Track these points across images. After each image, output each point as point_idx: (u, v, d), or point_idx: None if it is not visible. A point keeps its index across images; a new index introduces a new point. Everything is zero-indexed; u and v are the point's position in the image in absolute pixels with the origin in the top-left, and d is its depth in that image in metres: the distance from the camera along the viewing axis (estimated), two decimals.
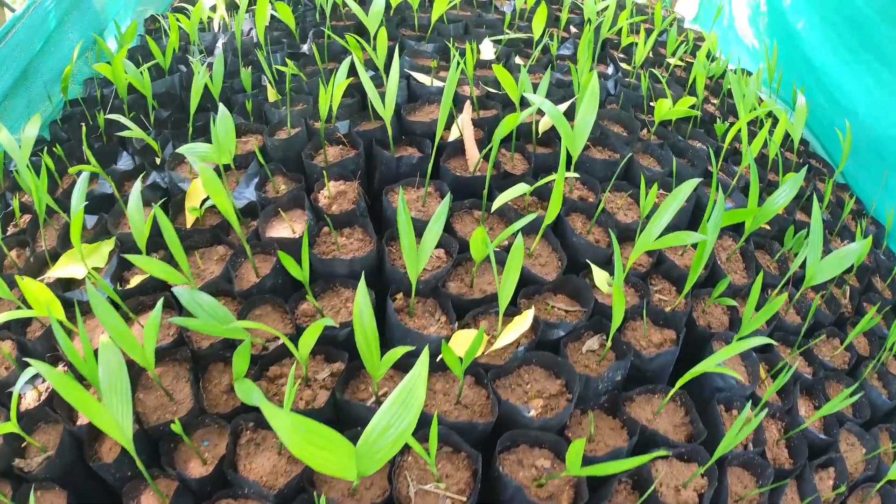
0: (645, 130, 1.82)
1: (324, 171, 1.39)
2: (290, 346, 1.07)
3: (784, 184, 1.51)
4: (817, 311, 1.55)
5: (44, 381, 1.31)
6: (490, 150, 1.39)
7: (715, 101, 2.16)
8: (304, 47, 2.01)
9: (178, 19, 1.99)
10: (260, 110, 1.72)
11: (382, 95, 1.48)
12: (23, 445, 1.16)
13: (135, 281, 1.38)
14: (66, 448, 1.12)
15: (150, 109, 1.73)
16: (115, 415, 0.93)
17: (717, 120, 1.92)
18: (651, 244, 1.23)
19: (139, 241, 1.27)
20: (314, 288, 1.29)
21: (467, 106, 1.58)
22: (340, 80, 1.53)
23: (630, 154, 1.62)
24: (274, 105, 1.66)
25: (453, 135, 1.57)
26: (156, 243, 1.38)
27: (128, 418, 0.93)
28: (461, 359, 1.05)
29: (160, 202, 1.47)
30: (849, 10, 2.13)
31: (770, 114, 2.13)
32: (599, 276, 1.37)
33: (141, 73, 1.72)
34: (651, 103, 1.94)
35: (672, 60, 2.08)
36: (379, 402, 1.15)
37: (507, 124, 1.38)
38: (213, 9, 2.28)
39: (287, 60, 1.71)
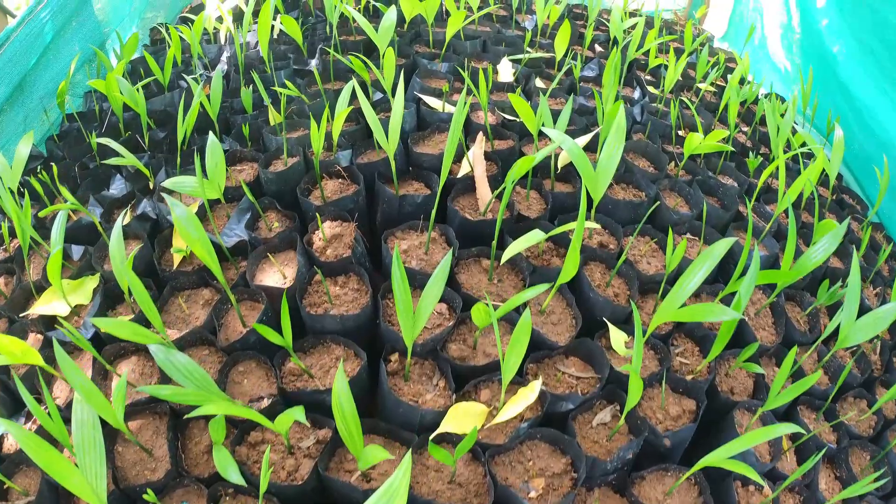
0: (672, 164, 1.63)
1: (317, 214, 1.22)
2: (265, 421, 0.92)
3: (822, 239, 1.32)
4: (842, 368, 1.37)
5: (28, 420, 1.20)
6: (503, 189, 1.22)
7: (746, 130, 1.95)
8: (313, 62, 1.83)
9: (179, 31, 1.83)
10: (260, 134, 1.56)
11: (387, 123, 1.31)
12: (5, 488, 1.05)
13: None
14: (45, 496, 1.02)
15: (144, 130, 1.58)
16: (89, 476, 0.83)
17: (750, 153, 1.71)
18: (674, 314, 1.05)
19: (121, 282, 1.13)
20: (303, 343, 1.14)
21: (479, 138, 1.40)
22: (341, 108, 1.37)
23: (656, 195, 1.43)
24: (272, 131, 1.50)
25: (464, 169, 1.40)
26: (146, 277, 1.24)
27: (102, 479, 0.83)
28: (457, 440, 0.89)
29: (150, 235, 1.33)
30: (892, 36, 1.89)
31: (803, 143, 1.91)
32: (617, 337, 1.20)
33: (137, 90, 1.57)
34: (680, 132, 1.74)
35: (703, 86, 1.86)
36: (365, 478, 1.00)
37: (521, 167, 1.21)
38: (220, 19, 2.11)
39: (287, 83, 1.54)
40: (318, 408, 1.08)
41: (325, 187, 1.39)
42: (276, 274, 1.22)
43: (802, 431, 1.06)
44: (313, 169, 1.38)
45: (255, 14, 2.25)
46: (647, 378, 1.15)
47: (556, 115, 1.61)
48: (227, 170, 1.45)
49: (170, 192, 1.42)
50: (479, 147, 1.39)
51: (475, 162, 1.36)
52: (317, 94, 1.66)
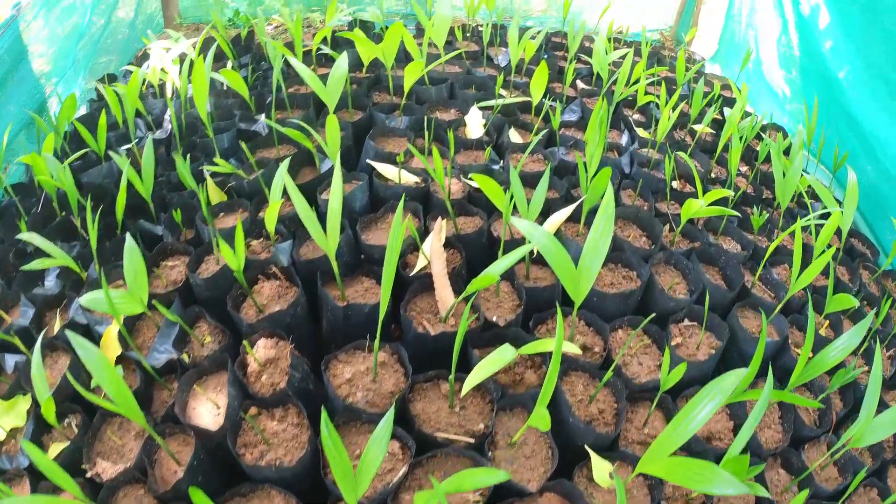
0: (668, 228, 1.32)
1: (245, 343, 0.94)
2: None
3: (843, 336, 1.04)
4: (854, 459, 1.10)
5: None
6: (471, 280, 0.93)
7: (746, 171, 1.63)
8: (261, 120, 1.53)
9: (116, 89, 1.52)
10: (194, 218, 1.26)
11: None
12: None
13: (54, 450, 0.98)
14: None
15: (77, 211, 1.29)
16: None
17: (754, 207, 1.40)
18: (661, 468, 0.77)
19: (46, 413, 0.90)
20: (241, 489, 0.87)
21: (437, 226, 1.11)
22: (276, 196, 1.07)
23: (649, 276, 1.14)
24: (204, 218, 1.20)
25: (422, 261, 1.11)
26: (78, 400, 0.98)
27: None
28: None
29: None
30: None
31: (809, 187, 1.60)
32: (600, 468, 0.93)
33: (67, 167, 1.28)
34: (675, 183, 1.43)
35: (699, 128, 1.54)
36: None
37: (481, 283, 0.92)
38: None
39: (219, 161, 1.24)
40: None
41: (261, 293, 1.10)
42: (208, 405, 0.94)
43: None
44: (249, 269, 1.09)
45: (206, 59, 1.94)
46: None
47: (533, 179, 1.31)
48: (156, 268, 1.18)
49: None
50: (437, 237, 1.09)
51: (433, 257, 1.07)
52: (263, 163, 1.36)
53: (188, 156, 1.37)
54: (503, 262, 0.98)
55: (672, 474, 0.76)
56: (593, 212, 1.29)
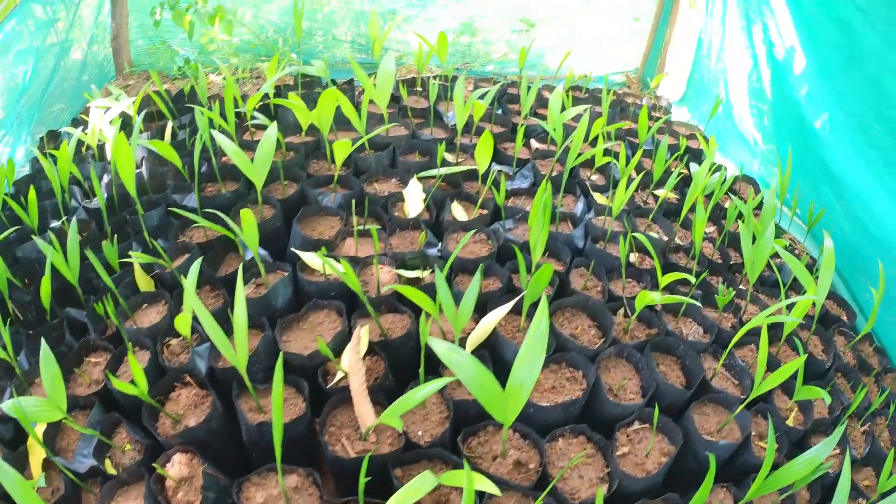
0: (622, 314, 1.20)
1: (156, 466, 0.83)
2: None
3: (809, 452, 0.92)
4: None
5: None
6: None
7: (715, 235, 1.51)
8: (192, 195, 1.41)
9: (52, 155, 1.41)
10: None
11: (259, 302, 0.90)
12: None
13: None
14: None
15: (6, 296, 1.18)
16: None
17: (721, 285, 1.28)
18: None
19: None
20: None
21: (356, 336, 0.99)
22: (189, 295, 0.96)
23: (595, 378, 1.02)
24: (123, 314, 1.10)
25: (342, 371, 0.99)
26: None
27: None
28: None
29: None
30: (891, 109, 1.43)
31: (787, 247, 1.48)
32: None
33: None
34: (632, 256, 1.31)
35: (661, 193, 1.42)
36: None
37: (400, 407, 0.81)
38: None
39: (133, 253, 1.13)
40: None
41: (178, 401, 1.00)
42: None
43: None
44: (167, 375, 0.98)
45: (148, 118, 1.83)
46: None
47: (473, 265, 1.19)
48: (76, 368, 1.08)
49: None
50: (353, 349, 0.98)
51: (350, 371, 0.96)
52: (188, 247, 1.24)
53: (118, 234, 1.26)
54: (424, 391, 0.86)
55: None
56: (536, 304, 1.18)
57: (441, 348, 0.86)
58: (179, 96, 1.90)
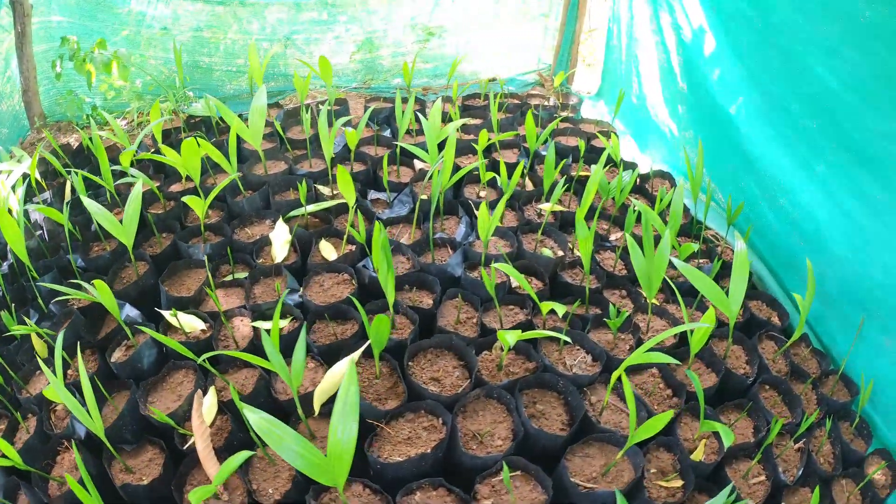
0: (497, 350, 1.10)
1: None
2: None
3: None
4: None
5: None
6: None
7: (620, 242, 1.38)
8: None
9: None
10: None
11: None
12: None
13: None
14: None
15: None
16: None
17: (613, 307, 1.16)
18: None
19: None
20: None
21: (197, 401, 0.93)
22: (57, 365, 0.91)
23: (452, 426, 0.93)
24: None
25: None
26: None
27: None
28: None
29: None
30: (812, 87, 1.28)
31: (695, 253, 1.35)
32: None
33: None
34: (514, 281, 1.21)
35: (546, 207, 1.30)
36: None
37: (225, 472, 0.75)
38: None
39: (28, 323, 1.09)
40: None
41: (62, 464, 1.01)
42: None
43: None
44: (50, 443, 0.96)
45: (52, 175, 1.81)
46: None
47: (329, 308, 1.11)
48: None
49: None
50: (197, 414, 0.92)
51: (196, 434, 0.90)
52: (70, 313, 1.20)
53: (17, 301, 1.23)
54: (236, 460, 0.79)
55: None
56: (390, 350, 1.09)
57: (254, 419, 0.79)
58: (79, 150, 1.87)
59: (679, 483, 1.02)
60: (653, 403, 1.10)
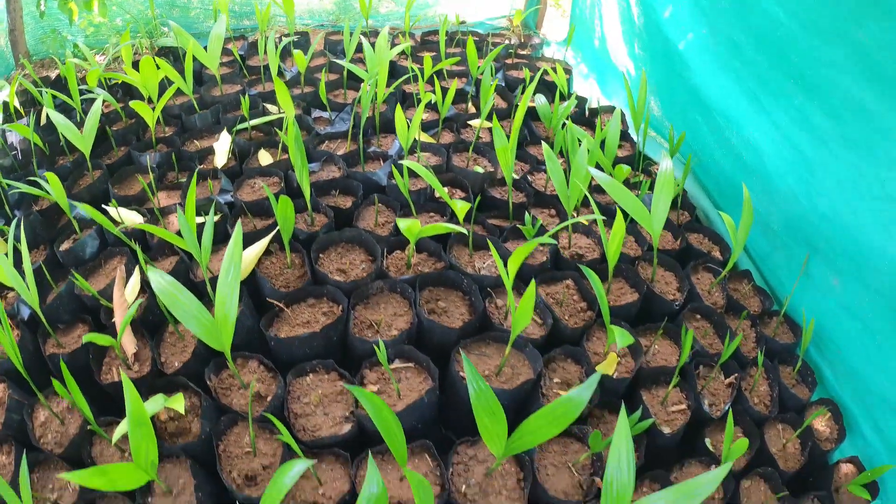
0: (412, 250, 1.15)
1: None
2: None
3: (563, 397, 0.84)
4: None
5: None
6: None
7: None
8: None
9: None
10: None
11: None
12: None
13: None
14: None
15: None
16: None
17: (528, 215, 1.19)
18: None
19: None
20: None
21: (120, 275, 1.03)
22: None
23: (348, 313, 0.98)
24: None
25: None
26: None
27: None
28: None
29: None
30: (756, 18, 1.28)
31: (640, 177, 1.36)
32: None
33: None
34: (438, 195, 1.26)
35: (475, 123, 1.35)
36: None
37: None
38: None
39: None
40: None
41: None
42: None
43: None
44: None
45: (31, 104, 1.96)
46: None
47: (256, 206, 1.18)
48: None
49: None
50: (118, 289, 1.01)
51: (115, 307, 1.00)
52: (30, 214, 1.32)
53: None
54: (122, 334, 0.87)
55: None
56: (300, 241, 1.16)
57: (156, 280, 0.87)
58: (58, 79, 2.03)
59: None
60: (564, 314, 1.12)
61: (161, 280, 0.88)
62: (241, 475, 0.88)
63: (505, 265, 0.93)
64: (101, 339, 0.93)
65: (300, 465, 0.71)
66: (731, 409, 1.02)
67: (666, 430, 1.01)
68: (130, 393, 0.77)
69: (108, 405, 0.99)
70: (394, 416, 0.74)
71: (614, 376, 1.04)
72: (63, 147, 1.54)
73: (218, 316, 0.87)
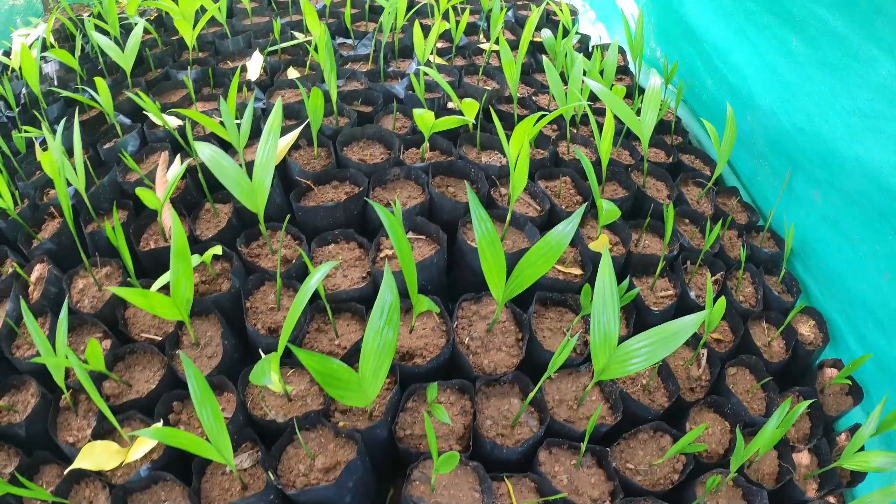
0: (427, 148, 1.31)
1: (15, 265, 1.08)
2: None
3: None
4: (632, 400, 1.01)
5: None
6: None
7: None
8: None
9: None
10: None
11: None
12: None
13: None
14: None
15: None
16: None
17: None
18: None
19: None
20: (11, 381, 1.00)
21: (162, 160, 1.21)
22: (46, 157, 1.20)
23: (366, 193, 1.15)
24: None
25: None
26: None
27: None
28: None
29: None
30: None
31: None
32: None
33: None
34: (451, 105, 1.42)
35: (485, 46, 1.52)
36: None
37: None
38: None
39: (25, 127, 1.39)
40: None
41: (45, 230, 1.25)
42: None
43: None
44: (39, 211, 1.25)
45: (65, 39, 2.15)
46: None
47: (287, 109, 1.36)
48: None
49: None
50: (161, 172, 1.18)
51: (157, 187, 1.16)
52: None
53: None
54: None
55: None
56: (327, 135, 1.33)
57: (203, 149, 1.03)
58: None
59: (578, 271, 1.20)
60: (561, 204, 1.28)
61: (208, 150, 1.03)
62: (265, 326, 1.04)
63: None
64: (148, 197, 1.09)
65: (326, 267, 0.85)
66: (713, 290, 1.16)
67: (655, 309, 1.16)
68: (176, 228, 0.91)
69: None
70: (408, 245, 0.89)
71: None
72: (103, 70, 1.72)
73: (255, 179, 1.02)
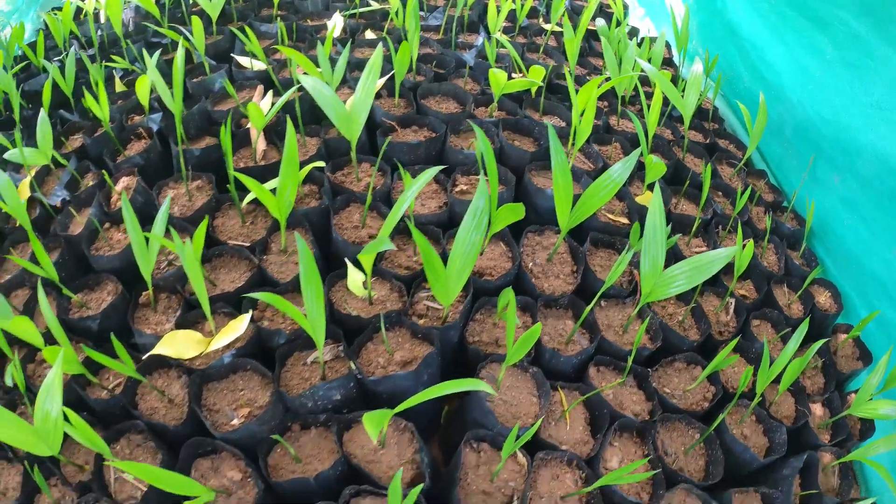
0: (494, 107, 1.53)
1: (103, 172, 1.26)
2: None
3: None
4: (670, 331, 1.19)
5: None
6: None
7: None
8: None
9: (57, 16, 1.94)
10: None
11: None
12: None
13: None
14: None
15: (16, 109, 1.69)
16: None
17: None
18: None
19: None
20: (87, 280, 1.15)
21: (258, 91, 1.41)
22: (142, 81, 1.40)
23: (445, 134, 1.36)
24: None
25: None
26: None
27: None
28: None
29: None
30: None
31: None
32: (354, 278, 1.13)
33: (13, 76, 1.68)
34: (515, 75, 1.64)
35: (548, 27, 1.75)
36: None
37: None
38: None
39: (115, 58, 1.59)
40: None
41: (132, 148, 1.44)
42: (79, 226, 1.25)
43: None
44: (124, 132, 1.43)
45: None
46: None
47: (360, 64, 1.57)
48: (63, 138, 1.54)
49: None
50: (257, 99, 1.38)
51: (251, 115, 1.34)
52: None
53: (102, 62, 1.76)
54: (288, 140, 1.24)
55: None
56: (407, 87, 1.53)
57: (306, 80, 1.22)
58: None
59: (625, 220, 1.41)
60: (612, 164, 1.50)
61: (310, 80, 1.22)
62: (350, 240, 1.23)
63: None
64: (254, 113, 1.28)
65: (430, 173, 1.04)
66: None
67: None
68: (290, 138, 1.04)
69: None
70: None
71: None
72: (184, 18, 1.93)
73: (353, 109, 1.22)
